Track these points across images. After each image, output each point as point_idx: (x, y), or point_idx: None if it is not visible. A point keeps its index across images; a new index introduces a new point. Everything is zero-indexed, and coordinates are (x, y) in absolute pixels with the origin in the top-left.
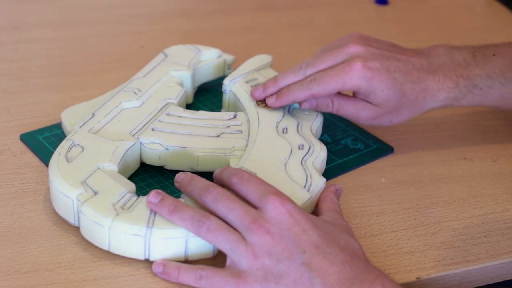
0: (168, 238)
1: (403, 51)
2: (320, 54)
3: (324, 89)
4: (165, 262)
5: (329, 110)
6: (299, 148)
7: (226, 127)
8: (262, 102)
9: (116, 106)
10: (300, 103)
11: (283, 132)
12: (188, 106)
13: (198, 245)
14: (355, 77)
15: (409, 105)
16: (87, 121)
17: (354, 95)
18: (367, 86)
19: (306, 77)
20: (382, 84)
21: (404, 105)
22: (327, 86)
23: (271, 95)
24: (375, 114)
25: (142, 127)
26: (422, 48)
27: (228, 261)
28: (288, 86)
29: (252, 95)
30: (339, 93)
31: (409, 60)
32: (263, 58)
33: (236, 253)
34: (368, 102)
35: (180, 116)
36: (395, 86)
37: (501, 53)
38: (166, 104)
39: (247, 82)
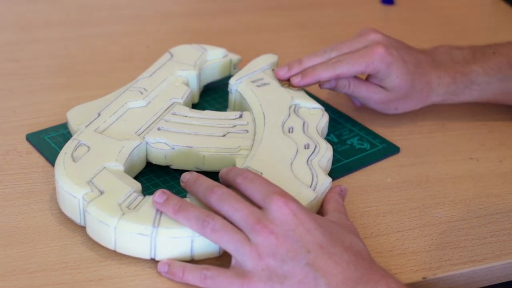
0: (174, 237)
1: (411, 48)
2: (342, 41)
3: (348, 70)
4: (170, 261)
5: (345, 90)
6: (305, 148)
7: (232, 127)
8: (286, 82)
9: (122, 106)
10: (320, 84)
11: (289, 131)
12: (194, 106)
13: (204, 245)
14: (377, 60)
15: (415, 96)
16: (93, 120)
17: (368, 79)
18: (385, 70)
19: (331, 59)
20: (398, 70)
21: (411, 95)
22: (351, 67)
23: (295, 74)
24: (385, 98)
25: (148, 127)
26: (425, 48)
27: (233, 262)
28: (313, 66)
29: (276, 74)
30: (355, 76)
31: (417, 55)
32: (269, 58)
33: (240, 254)
34: (381, 86)
35: (186, 116)
36: (408, 75)
37: (501, 51)
38: (172, 104)
39: (253, 81)
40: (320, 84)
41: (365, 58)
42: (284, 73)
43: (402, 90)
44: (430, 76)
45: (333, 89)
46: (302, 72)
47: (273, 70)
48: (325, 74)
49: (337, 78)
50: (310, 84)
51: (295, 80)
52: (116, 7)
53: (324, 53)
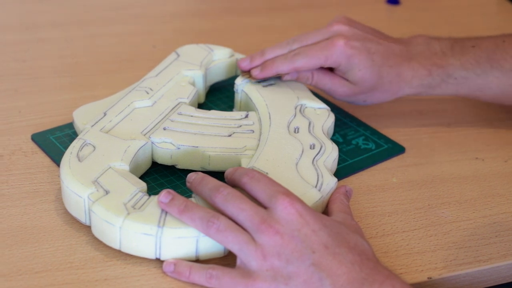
0: (179, 237)
1: (385, 37)
2: (306, 32)
3: (307, 63)
4: (176, 261)
5: (308, 82)
6: (310, 148)
7: (237, 127)
8: (247, 73)
9: (128, 105)
10: (282, 76)
11: (295, 131)
12: (200, 106)
13: (209, 245)
14: (336, 53)
15: (383, 88)
16: (99, 120)
17: (333, 71)
18: (346, 63)
19: (290, 52)
20: (360, 63)
21: (379, 87)
22: (310, 60)
23: (256, 66)
24: (350, 91)
25: (154, 127)
26: (403, 37)
27: (238, 262)
28: (273, 58)
29: (238, 65)
30: (320, 68)
31: (389, 45)
32: None
33: (245, 254)
34: (346, 79)
35: (192, 116)
36: (372, 67)
37: (480, 45)
38: (178, 104)
39: (258, 82)
40: (280, 76)
41: (323, 51)
42: (246, 65)
43: (367, 83)
44: (402, 68)
45: (295, 80)
46: (262, 64)
47: (237, 59)
48: (283, 67)
49: (296, 71)
50: (268, 76)
51: (254, 73)
52: (122, 7)
53: (287, 44)
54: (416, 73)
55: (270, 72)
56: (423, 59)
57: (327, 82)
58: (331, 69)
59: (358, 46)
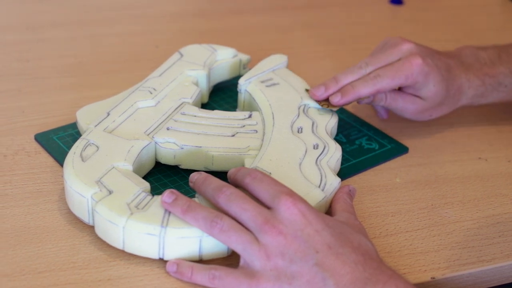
0: (182, 237)
1: (439, 52)
2: (375, 54)
3: (388, 84)
4: (179, 261)
5: (381, 103)
6: (314, 148)
7: (241, 127)
8: (325, 103)
9: (131, 105)
10: (359, 100)
11: (298, 131)
12: (204, 106)
13: (212, 245)
14: (416, 72)
15: (448, 101)
16: (102, 120)
17: (402, 90)
18: (424, 80)
19: (368, 74)
20: (434, 79)
21: (445, 101)
22: (391, 81)
23: (334, 93)
24: (421, 107)
25: (157, 127)
26: (450, 50)
27: (241, 262)
28: (351, 83)
29: (312, 95)
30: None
31: (446, 60)
32: (278, 58)
33: (249, 254)
34: (417, 96)
35: (195, 116)
36: (443, 82)
37: None
38: (182, 104)
39: (262, 82)
40: (358, 100)
41: (404, 71)
42: (321, 93)
43: (438, 98)
44: (461, 80)
45: (370, 103)
46: (341, 90)
47: (306, 90)
48: (365, 90)
49: (377, 93)
50: (350, 102)
51: (335, 99)
52: (125, 7)
53: (360, 68)
54: (472, 84)
55: (351, 96)
56: (475, 70)
57: (400, 101)
58: (399, 88)
59: (431, 63)
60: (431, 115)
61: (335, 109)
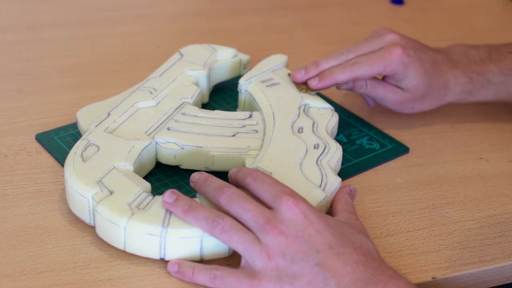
0: (183, 237)
1: (427, 47)
2: (359, 42)
3: (366, 72)
4: (180, 261)
5: (362, 91)
6: (314, 148)
7: (241, 127)
8: (303, 87)
9: (132, 106)
10: (338, 85)
11: (299, 131)
12: (204, 106)
13: (213, 245)
14: (395, 61)
15: (432, 96)
16: (103, 120)
17: (384, 79)
18: (403, 71)
19: (348, 61)
20: (415, 71)
21: (428, 95)
22: (369, 69)
23: (313, 77)
24: (402, 99)
25: (158, 127)
26: (441, 47)
27: (243, 262)
28: (330, 68)
29: (293, 77)
30: (373, 77)
31: (433, 55)
32: (278, 58)
33: (250, 254)
34: (398, 87)
35: (195, 116)
36: (425, 75)
37: None
38: (182, 104)
39: (262, 82)
40: (337, 86)
41: (383, 59)
42: (301, 76)
43: (419, 91)
44: (447, 75)
45: (350, 89)
46: (320, 75)
47: (289, 74)
48: (342, 76)
49: (355, 80)
50: (328, 87)
51: (313, 83)
52: (125, 7)
53: (341, 55)
54: (458, 81)
55: (329, 81)
56: (464, 67)
57: (380, 90)
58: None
59: (412, 54)
60: (413, 108)
61: (313, 93)
